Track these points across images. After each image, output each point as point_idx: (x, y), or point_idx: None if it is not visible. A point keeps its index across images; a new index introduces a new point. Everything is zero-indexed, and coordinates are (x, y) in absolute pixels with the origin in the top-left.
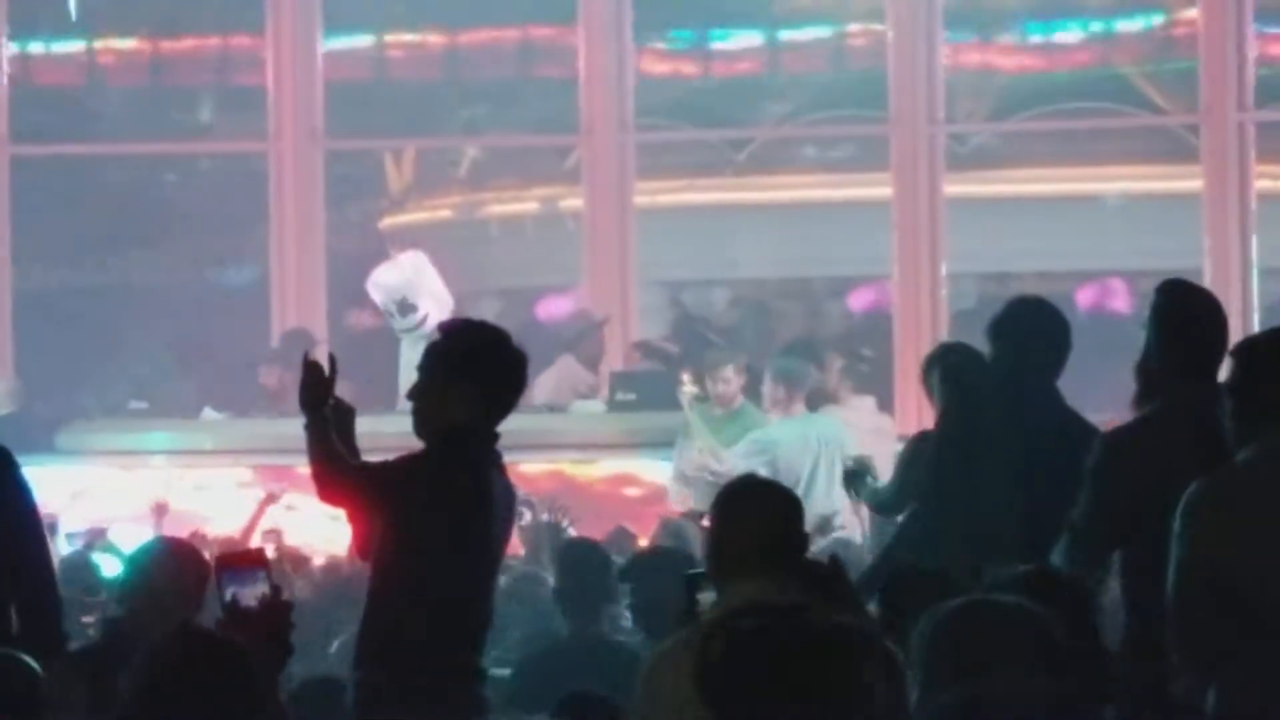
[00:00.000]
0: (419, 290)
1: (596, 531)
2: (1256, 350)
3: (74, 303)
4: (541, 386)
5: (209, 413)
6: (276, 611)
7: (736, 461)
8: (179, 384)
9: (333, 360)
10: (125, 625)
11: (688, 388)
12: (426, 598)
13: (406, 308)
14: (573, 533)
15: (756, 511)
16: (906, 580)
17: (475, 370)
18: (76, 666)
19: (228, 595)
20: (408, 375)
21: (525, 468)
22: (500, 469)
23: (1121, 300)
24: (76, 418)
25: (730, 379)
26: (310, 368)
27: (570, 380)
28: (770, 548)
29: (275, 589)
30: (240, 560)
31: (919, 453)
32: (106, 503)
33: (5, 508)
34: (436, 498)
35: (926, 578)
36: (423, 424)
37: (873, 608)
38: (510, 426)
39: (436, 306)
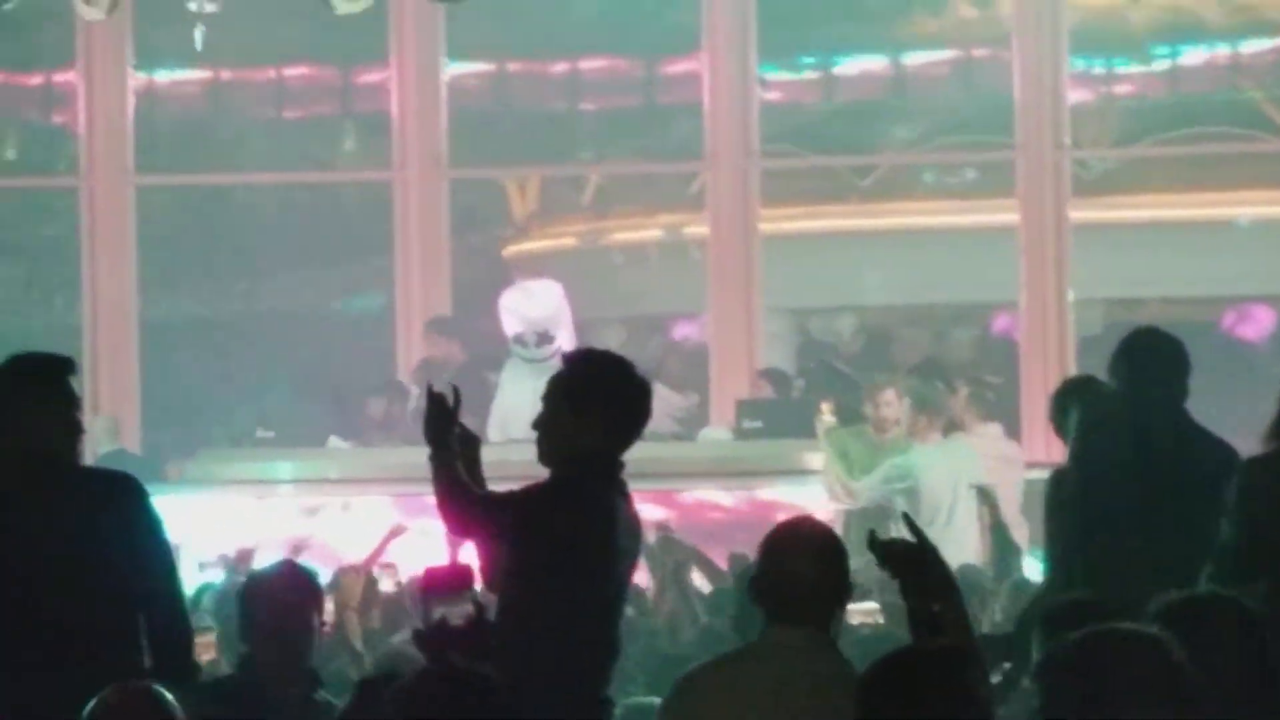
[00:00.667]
0: (560, 323)
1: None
2: None
3: (200, 332)
4: None
5: (335, 441)
6: (482, 631)
7: (875, 488)
8: (305, 412)
9: (456, 391)
10: (253, 656)
11: (826, 418)
12: (553, 627)
13: (545, 339)
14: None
15: (803, 556)
16: (1066, 614)
17: (599, 400)
18: (210, 701)
19: (436, 614)
20: (524, 404)
21: (681, 496)
22: (626, 498)
23: (1254, 324)
24: (203, 447)
25: (891, 403)
26: (434, 399)
27: (662, 406)
28: (815, 594)
29: (480, 608)
30: (447, 580)
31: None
32: (241, 531)
33: (136, 539)
34: (561, 527)
35: (1087, 609)
36: (547, 453)
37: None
38: (635, 455)
39: (568, 339)
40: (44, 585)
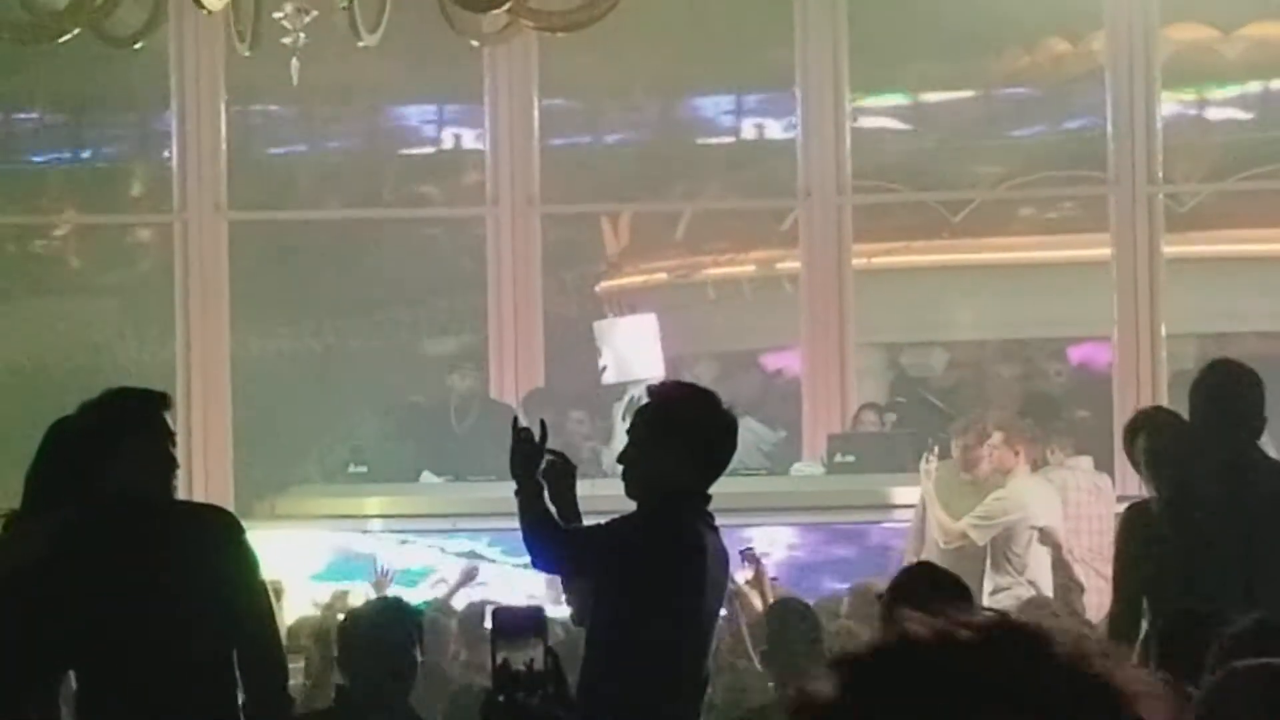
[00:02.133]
0: (603, 343)
1: None
2: None
3: (293, 368)
4: None
5: (427, 476)
6: (552, 680)
7: (983, 526)
8: (398, 448)
9: (543, 425)
10: (351, 690)
11: (930, 464)
12: (642, 660)
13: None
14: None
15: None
16: (1181, 625)
17: (684, 433)
18: None
19: (499, 658)
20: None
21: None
22: (714, 531)
23: None
24: (296, 482)
25: (998, 445)
26: (520, 434)
27: (752, 440)
28: None
29: (551, 654)
30: (515, 622)
31: (1134, 525)
32: (337, 565)
33: (231, 573)
34: (651, 560)
35: (1201, 621)
36: (634, 487)
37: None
38: (729, 489)
39: (613, 365)
40: (140, 619)
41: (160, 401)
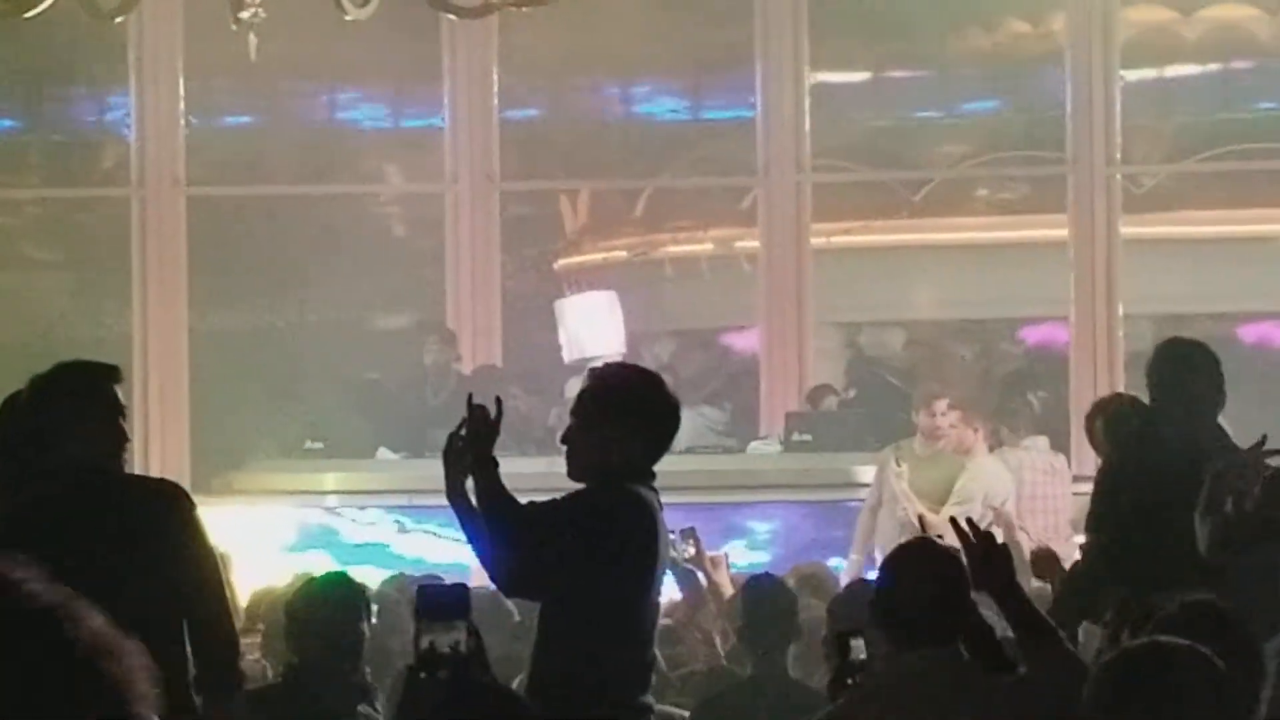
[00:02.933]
0: (561, 322)
1: None
2: None
3: (250, 343)
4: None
5: (384, 453)
6: (472, 663)
7: (963, 509)
8: (354, 424)
9: (499, 403)
10: (300, 666)
11: (899, 468)
12: (595, 636)
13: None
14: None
15: (932, 574)
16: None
17: (626, 414)
18: (253, 708)
19: (425, 641)
20: None
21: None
22: (660, 509)
23: None
24: (252, 458)
25: (944, 412)
26: (476, 411)
27: (704, 421)
28: (943, 611)
29: (474, 635)
30: (440, 603)
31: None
32: (295, 542)
33: (181, 547)
34: (602, 538)
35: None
36: (576, 468)
37: None
38: (685, 467)
39: (569, 343)
40: (89, 593)
41: (111, 375)
